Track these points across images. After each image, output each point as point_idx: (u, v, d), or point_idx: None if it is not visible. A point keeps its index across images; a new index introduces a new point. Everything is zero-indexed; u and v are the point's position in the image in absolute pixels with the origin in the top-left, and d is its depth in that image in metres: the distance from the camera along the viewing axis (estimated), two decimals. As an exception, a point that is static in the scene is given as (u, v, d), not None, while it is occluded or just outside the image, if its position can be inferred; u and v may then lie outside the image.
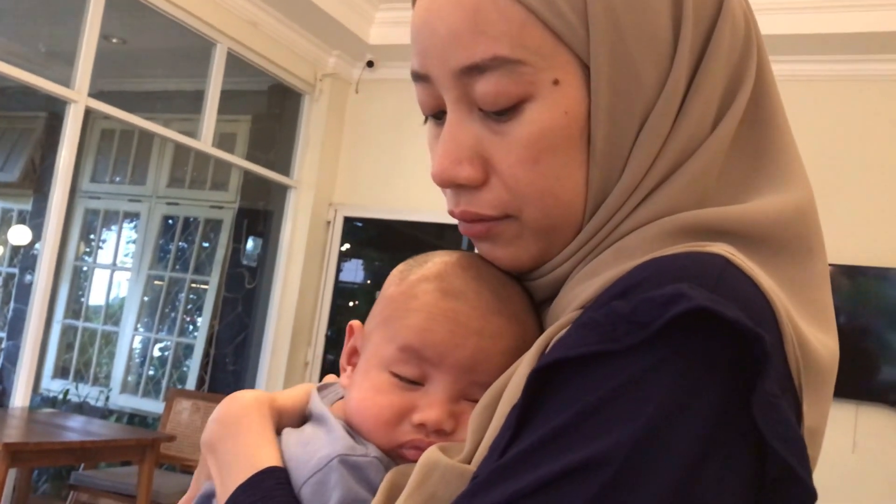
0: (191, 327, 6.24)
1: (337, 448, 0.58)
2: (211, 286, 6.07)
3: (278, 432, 0.65)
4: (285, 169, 5.42)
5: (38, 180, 6.39)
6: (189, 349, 6.12)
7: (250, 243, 5.76)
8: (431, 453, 0.53)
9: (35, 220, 6.08)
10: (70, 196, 4.07)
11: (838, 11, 4.10)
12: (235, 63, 4.85)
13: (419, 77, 0.60)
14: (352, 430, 0.62)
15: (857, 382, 4.03)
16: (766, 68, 0.60)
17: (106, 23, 4.00)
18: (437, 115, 0.61)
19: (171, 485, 4.09)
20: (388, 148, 5.44)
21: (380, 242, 5.92)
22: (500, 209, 0.58)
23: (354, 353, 0.68)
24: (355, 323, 0.69)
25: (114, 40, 5.31)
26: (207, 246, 6.29)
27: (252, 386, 5.30)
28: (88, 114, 4.07)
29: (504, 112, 0.56)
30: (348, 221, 5.56)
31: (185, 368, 6.11)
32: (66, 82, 3.92)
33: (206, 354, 5.84)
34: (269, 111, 5.66)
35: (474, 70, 0.55)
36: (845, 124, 4.39)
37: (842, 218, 4.06)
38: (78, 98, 3.91)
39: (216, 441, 0.63)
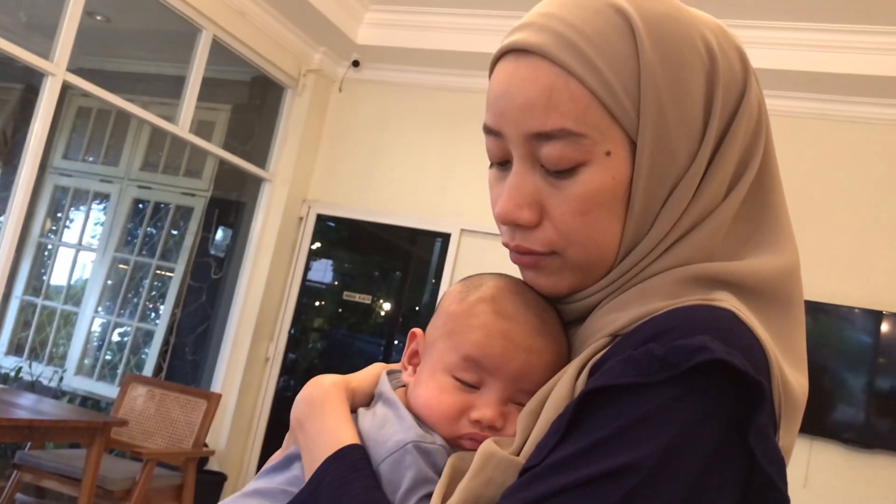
0: (152, 314, 6.15)
1: (410, 435, 0.71)
2: (176, 274, 6.00)
3: (352, 411, 0.78)
4: (261, 161, 5.37)
5: (7, 153, 6.28)
6: (149, 335, 6.04)
7: (220, 233, 5.70)
8: (488, 445, 0.66)
9: (1, 192, 5.97)
10: (40, 171, 4.01)
11: (831, 52, 4.16)
12: (219, 51, 4.80)
13: (492, 132, 0.72)
14: (418, 419, 0.74)
15: (812, 419, 4.05)
16: (770, 146, 0.74)
17: (91, -2, 3.95)
18: (501, 162, 0.74)
19: (119, 471, 4.01)
20: (367, 149, 5.42)
21: (351, 243, 5.88)
22: (548, 247, 0.71)
23: (415, 355, 0.81)
24: (417, 330, 0.82)
25: (98, 17, 5.24)
26: (176, 233, 6.21)
27: (210, 377, 5.25)
28: (66, 90, 4.00)
29: (563, 172, 0.68)
30: (321, 220, 5.53)
31: (143, 355, 6.01)
32: (46, 55, 3.85)
33: (165, 342, 5.76)
34: (250, 102, 5.62)
35: (543, 136, 0.68)
36: (822, 162, 4.45)
37: (810, 254, 4.10)
38: (56, 71, 3.85)
39: (304, 419, 0.77)
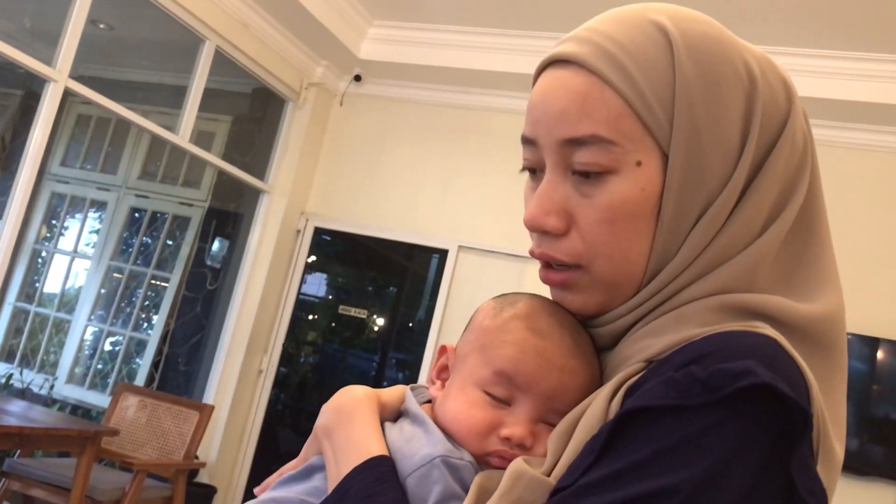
0: (145, 324, 6.12)
1: (439, 449, 0.70)
2: (171, 284, 5.97)
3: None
4: (260, 173, 5.37)
5: (6, 158, 6.27)
6: (142, 345, 6.00)
7: (216, 244, 5.68)
8: (518, 464, 0.65)
9: (-2, 198, 5.95)
10: (37, 177, 3.99)
11: (827, 78, 4.18)
12: (222, 62, 4.81)
13: (528, 141, 0.74)
14: (447, 435, 0.73)
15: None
16: (816, 181, 0.73)
17: (95, 6, 3.95)
18: (535, 172, 0.75)
19: (109, 481, 3.97)
20: (366, 163, 5.43)
21: (346, 258, 5.87)
22: (573, 258, 0.71)
23: (444, 370, 0.81)
24: (448, 345, 0.82)
25: (101, 25, 5.25)
26: (171, 243, 6.19)
27: (203, 388, 5.21)
28: (66, 96, 4.00)
29: (592, 178, 0.69)
30: (318, 232, 5.52)
31: (134, 365, 5.98)
32: (48, 61, 3.85)
33: (158, 352, 5.72)
34: (251, 114, 5.62)
35: (575, 142, 0.69)
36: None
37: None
38: (58, 78, 3.84)
39: (332, 428, 0.76)
